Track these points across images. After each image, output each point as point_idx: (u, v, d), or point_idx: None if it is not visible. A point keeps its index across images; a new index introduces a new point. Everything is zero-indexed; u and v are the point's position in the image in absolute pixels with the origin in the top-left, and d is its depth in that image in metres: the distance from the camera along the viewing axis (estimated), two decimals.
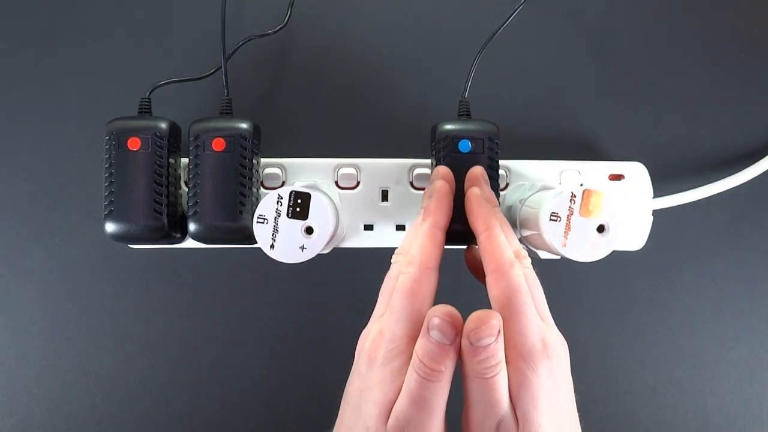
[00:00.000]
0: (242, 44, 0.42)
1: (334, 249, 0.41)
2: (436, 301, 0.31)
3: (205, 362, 0.45)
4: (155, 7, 0.45)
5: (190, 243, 0.40)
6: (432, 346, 0.27)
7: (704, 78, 0.45)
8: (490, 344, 0.27)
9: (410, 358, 0.28)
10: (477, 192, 0.34)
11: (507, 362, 0.28)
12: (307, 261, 0.34)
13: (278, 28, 0.43)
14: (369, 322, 0.31)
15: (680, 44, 0.45)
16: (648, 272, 0.45)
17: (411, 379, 0.28)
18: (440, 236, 0.32)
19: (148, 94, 0.40)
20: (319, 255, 0.35)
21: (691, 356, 0.45)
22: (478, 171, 0.36)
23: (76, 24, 0.45)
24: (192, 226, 0.37)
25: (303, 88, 0.45)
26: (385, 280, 0.32)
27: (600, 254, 0.33)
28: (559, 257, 0.36)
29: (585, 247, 0.33)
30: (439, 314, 0.28)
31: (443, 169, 0.36)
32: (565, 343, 0.30)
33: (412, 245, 0.32)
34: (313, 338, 0.45)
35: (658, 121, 0.45)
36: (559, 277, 0.45)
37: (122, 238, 0.37)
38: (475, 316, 0.28)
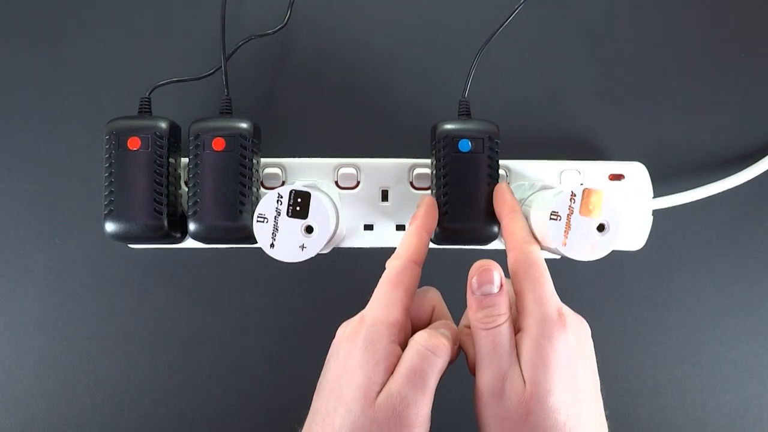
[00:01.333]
0: (242, 44, 0.42)
1: (334, 249, 0.41)
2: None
3: (205, 362, 0.45)
4: (155, 7, 0.45)
5: (190, 243, 0.40)
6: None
7: (704, 78, 0.45)
8: (492, 294, 0.29)
9: (391, 342, 0.29)
10: (506, 186, 0.36)
11: (522, 330, 0.29)
12: (307, 261, 0.34)
13: (278, 28, 0.43)
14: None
15: (680, 44, 0.45)
16: (648, 272, 0.45)
17: (412, 355, 0.28)
18: (425, 236, 0.34)
19: (148, 94, 0.40)
20: (319, 255, 0.35)
21: (691, 356, 0.45)
22: (503, 184, 0.37)
23: (76, 24, 0.45)
24: (192, 226, 0.37)
25: (303, 88, 0.45)
26: None
27: (600, 253, 0.33)
28: (559, 257, 0.36)
29: (585, 247, 0.33)
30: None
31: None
32: (586, 324, 0.31)
33: (402, 240, 0.33)
34: (313, 338, 0.45)
35: (658, 121, 0.45)
36: (559, 277, 0.45)
37: (122, 237, 0.37)
38: (477, 264, 0.30)
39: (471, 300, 0.30)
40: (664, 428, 0.45)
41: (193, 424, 0.44)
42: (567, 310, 0.30)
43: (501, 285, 0.30)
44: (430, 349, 0.28)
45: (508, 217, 0.34)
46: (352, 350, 0.29)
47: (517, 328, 0.30)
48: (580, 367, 0.29)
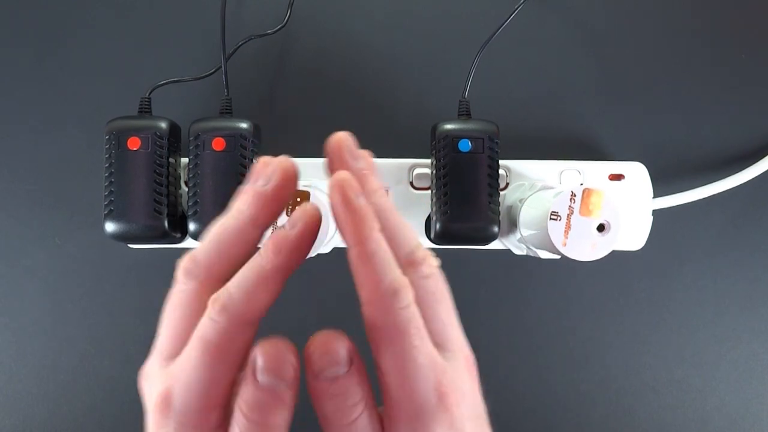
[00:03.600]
0: (242, 44, 0.42)
1: (334, 248, 0.41)
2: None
3: None
4: (155, 7, 0.45)
5: (190, 243, 0.40)
6: (261, 394, 0.21)
7: (704, 78, 0.45)
8: (338, 377, 0.21)
9: None
10: (344, 180, 0.22)
11: (393, 421, 0.22)
12: (306, 260, 0.34)
13: (278, 28, 0.43)
14: (151, 354, 0.25)
15: (680, 44, 0.45)
16: (648, 272, 0.45)
17: None
18: (279, 280, 0.23)
19: (148, 94, 0.40)
20: (319, 254, 0.35)
21: (691, 356, 0.45)
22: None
23: (77, 24, 0.45)
24: (192, 226, 0.37)
25: (303, 88, 0.45)
26: (169, 296, 0.24)
27: (600, 253, 0.33)
28: (559, 257, 0.36)
29: (585, 247, 0.33)
30: (264, 353, 0.21)
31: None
32: (471, 359, 0.24)
33: (236, 282, 0.22)
34: None
35: (658, 121, 0.45)
36: (559, 277, 0.45)
37: (122, 237, 0.37)
38: (316, 341, 0.21)
39: (311, 385, 0.21)
40: (664, 428, 0.45)
41: None
42: (447, 378, 0.22)
43: (351, 361, 0.21)
44: None
45: (355, 251, 0.21)
46: None
47: (384, 415, 0.23)
48: None
